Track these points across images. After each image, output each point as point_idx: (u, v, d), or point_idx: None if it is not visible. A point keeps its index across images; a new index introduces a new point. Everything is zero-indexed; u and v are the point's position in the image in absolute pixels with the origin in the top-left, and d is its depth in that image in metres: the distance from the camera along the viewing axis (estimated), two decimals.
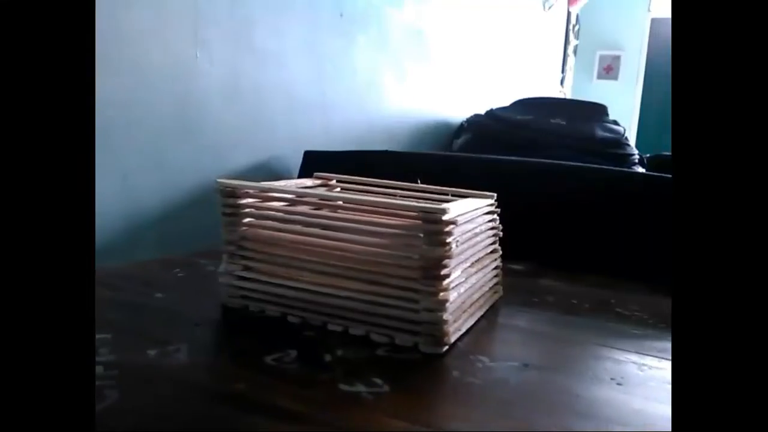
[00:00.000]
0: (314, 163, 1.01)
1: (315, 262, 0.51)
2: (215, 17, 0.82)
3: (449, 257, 0.46)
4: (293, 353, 0.45)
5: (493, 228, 0.61)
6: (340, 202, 0.51)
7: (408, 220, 0.47)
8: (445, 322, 0.46)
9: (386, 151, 1.01)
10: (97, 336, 0.45)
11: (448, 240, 0.46)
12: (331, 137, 1.12)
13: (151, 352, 0.43)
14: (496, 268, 0.62)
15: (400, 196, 0.65)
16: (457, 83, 1.68)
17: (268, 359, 0.44)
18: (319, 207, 0.55)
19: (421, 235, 0.47)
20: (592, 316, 0.59)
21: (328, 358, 0.45)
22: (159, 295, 0.56)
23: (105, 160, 0.71)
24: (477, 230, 0.55)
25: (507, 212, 0.90)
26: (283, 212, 0.52)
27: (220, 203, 0.53)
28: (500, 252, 0.62)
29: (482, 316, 0.56)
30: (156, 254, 0.76)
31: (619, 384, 0.44)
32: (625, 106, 3.17)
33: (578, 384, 0.44)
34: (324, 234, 0.50)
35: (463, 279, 0.51)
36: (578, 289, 0.69)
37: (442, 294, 0.46)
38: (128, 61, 0.72)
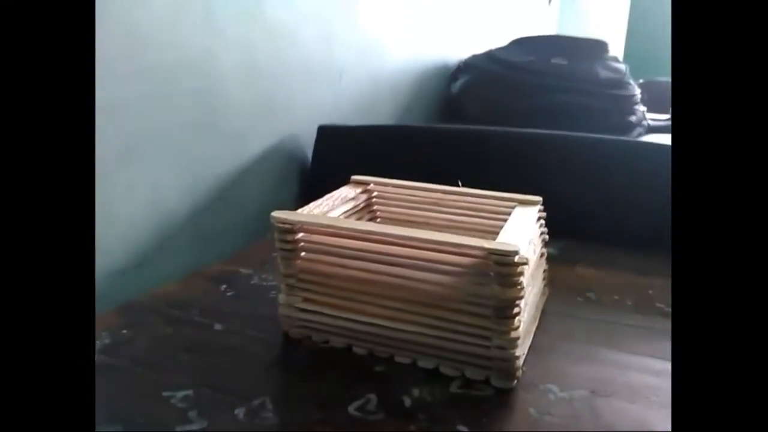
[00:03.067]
0: (328, 138, 0.99)
1: (379, 295, 0.51)
2: None
3: (521, 297, 0.47)
4: (373, 398, 0.46)
5: (542, 234, 0.61)
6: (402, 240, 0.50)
7: (476, 258, 0.47)
8: (517, 358, 0.48)
9: (401, 126, 0.99)
10: (180, 393, 0.45)
11: (521, 280, 0.47)
12: (341, 104, 1.08)
13: (239, 412, 0.44)
14: (544, 271, 0.63)
15: (444, 200, 0.65)
16: (450, 18, 1.62)
17: (352, 409, 0.45)
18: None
19: (492, 274, 0.47)
20: (637, 317, 0.61)
21: (407, 402, 0.46)
22: (218, 326, 0.56)
23: (136, 175, 0.68)
24: (531, 235, 0.55)
25: (531, 185, 0.90)
26: (343, 247, 0.51)
27: (277, 238, 0.52)
28: (546, 254, 0.63)
29: (537, 327, 0.57)
30: (190, 260, 0.75)
31: None
32: (611, 20, 3.11)
33: (648, 413, 0.46)
34: (387, 270, 0.50)
35: (526, 304, 0.52)
36: (615, 277, 0.71)
37: (513, 333, 0.47)
38: (146, 63, 0.68)
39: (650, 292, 0.67)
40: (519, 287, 0.46)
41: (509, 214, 0.60)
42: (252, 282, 0.66)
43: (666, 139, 1.49)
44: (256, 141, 0.89)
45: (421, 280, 0.49)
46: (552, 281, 0.65)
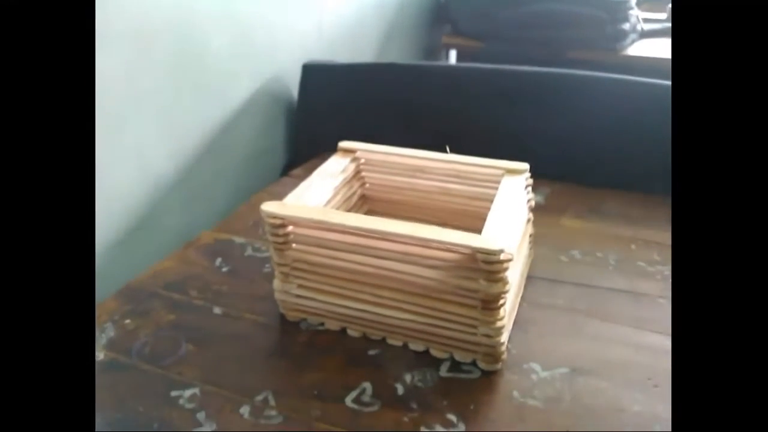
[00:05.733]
0: (314, 77, 0.96)
1: (369, 285, 0.53)
2: None
3: (507, 291, 0.49)
4: (368, 388, 0.49)
5: (528, 201, 0.62)
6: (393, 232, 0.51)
7: (463, 254, 0.49)
8: (502, 344, 0.51)
9: (387, 64, 0.96)
10: (188, 392, 0.49)
11: (506, 275, 0.48)
12: (325, 27, 1.04)
13: (244, 411, 0.47)
14: (530, 236, 0.64)
15: (431, 167, 0.65)
16: None
17: (349, 401, 0.48)
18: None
19: (479, 269, 0.48)
20: (619, 279, 0.63)
21: (400, 389, 0.49)
22: (217, 310, 0.58)
23: (121, 145, 0.67)
24: (518, 214, 0.56)
25: (519, 126, 0.90)
26: (333, 240, 0.52)
27: (268, 231, 0.53)
28: (532, 218, 0.64)
29: (522, 297, 0.60)
30: (183, 223, 0.77)
31: (655, 386, 0.50)
32: None
33: (622, 392, 0.49)
34: (377, 263, 0.52)
35: (511, 286, 0.54)
36: (599, 229, 0.72)
37: (498, 323, 0.50)
38: (121, 28, 0.65)
39: (633, 247, 0.69)
40: (504, 282, 0.48)
41: (496, 181, 0.61)
42: (246, 254, 0.67)
43: (659, 44, 1.45)
44: (241, 87, 0.86)
45: (410, 273, 0.51)
46: (537, 238, 0.67)
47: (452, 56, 1.57)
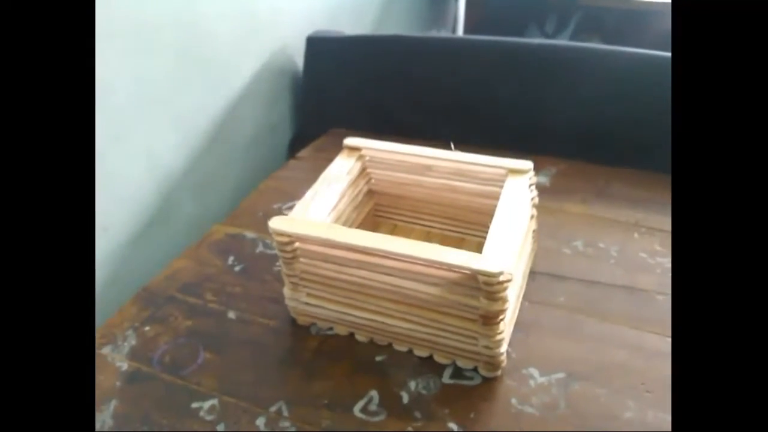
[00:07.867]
0: (319, 51, 0.95)
1: (375, 296, 0.55)
2: None
3: (506, 309, 0.51)
4: (375, 396, 0.53)
5: (532, 199, 0.63)
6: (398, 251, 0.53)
7: (464, 274, 0.50)
8: (502, 354, 0.53)
9: (396, 36, 0.94)
10: (207, 404, 0.52)
11: (505, 294, 0.50)
12: (328, 2, 1.02)
13: (260, 423, 0.51)
14: (534, 231, 0.66)
15: (435, 165, 0.66)
16: None
17: (357, 410, 0.52)
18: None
19: (480, 288, 0.50)
20: (620, 273, 0.65)
21: (405, 398, 0.53)
22: (232, 315, 0.61)
23: (130, 145, 0.68)
24: (521, 218, 0.58)
25: (527, 98, 0.89)
26: (338, 256, 0.54)
27: (277, 247, 0.55)
28: (536, 214, 0.65)
29: (523, 296, 0.62)
30: (195, 214, 0.78)
31: (648, 392, 0.53)
32: None
33: (615, 398, 0.52)
34: (381, 279, 0.54)
35: (514, 288, 0.56)
36: (603, 216, 0.73)
37: (498, 336, 0.52)
38: (129, 25, 0.64)
39: (635, 235, 0.70)
40: (504, 301, 0.50)
41: (500, 180, 0.61)
42: (257, 250, 0.69)
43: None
44: (246, 65, 0.86)
45: (413, 289, 0.53)
46: (541, 227, 0.68)
47: (461, 3, 1.52)
